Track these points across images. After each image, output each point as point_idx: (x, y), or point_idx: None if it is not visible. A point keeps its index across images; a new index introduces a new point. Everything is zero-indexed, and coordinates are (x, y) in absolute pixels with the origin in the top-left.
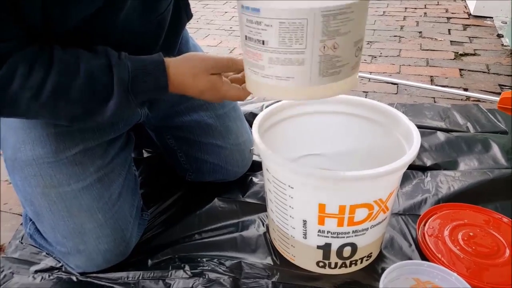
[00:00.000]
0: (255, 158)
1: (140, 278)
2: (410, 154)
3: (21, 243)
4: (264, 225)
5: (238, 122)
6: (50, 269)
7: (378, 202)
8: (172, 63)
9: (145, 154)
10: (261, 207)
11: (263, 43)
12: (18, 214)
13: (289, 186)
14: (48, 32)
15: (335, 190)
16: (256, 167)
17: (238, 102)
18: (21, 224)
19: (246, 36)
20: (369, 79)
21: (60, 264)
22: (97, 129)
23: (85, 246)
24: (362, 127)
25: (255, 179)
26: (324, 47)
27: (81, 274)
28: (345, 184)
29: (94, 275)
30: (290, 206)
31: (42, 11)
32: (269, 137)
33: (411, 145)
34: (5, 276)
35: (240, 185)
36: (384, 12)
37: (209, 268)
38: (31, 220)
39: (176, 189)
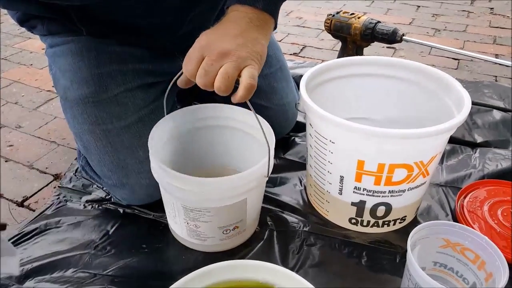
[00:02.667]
0: (298, 119)
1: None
2: (458, 118)
3: (75, 175)
4: (302, 183)
5: (284, 82)
6: (99, 200)
7: (419, 164)
8: None
9: None
10: (301, 166)
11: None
12: (74, 149)
13: (330, 141)
14: None
15: (376, 147)
16: (300, 128)
17: (289, 64)
18: (75, 159)
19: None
20: (430, 51)
21: (109, 196)
22: (136, 72)
23: (128, 180)
24: (412, 93)
25: (297, 140)
26: (188, 223)
27: (127, 206)
28: (387, 141)
29: (139, 209)
30: (329, 162)
31: None
32: (315, 96)
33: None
34: (60, 203)
35: (283, 144)
36: None
37: None
38: (82, 154)
39: None
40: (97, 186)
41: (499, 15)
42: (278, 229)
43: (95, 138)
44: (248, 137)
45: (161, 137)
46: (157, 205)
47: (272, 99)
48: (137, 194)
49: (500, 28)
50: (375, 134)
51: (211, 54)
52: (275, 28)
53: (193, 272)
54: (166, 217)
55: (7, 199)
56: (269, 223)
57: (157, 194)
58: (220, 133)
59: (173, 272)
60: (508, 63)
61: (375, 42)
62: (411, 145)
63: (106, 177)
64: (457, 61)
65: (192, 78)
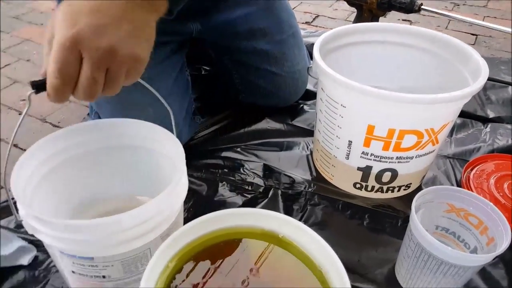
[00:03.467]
0: (308, 86)
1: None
2: (473, 86)
3: None
4: (309, 148)
5: (296, 49)
6: None
7: (429, 132)
8: None
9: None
10: (308, 132)
11: (104, 277)
12: (86, 106)
13: (341, 105)
14: None
15: (388, 112)
16: (309, 96)
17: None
18: (88, 114)
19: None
20: (447, 25)
21: None
22: None
23: None
24: (428, 62)
25: (306, 107)
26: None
27: None
28: (400, 106)
29: None
30: (338, 126)
31: None
32: (328, 62)
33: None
34: None
35: (291, 111)
36: None
37: (250, 176)
38: (95, 110)
39: (228, 107)
40: None
41: None
42: (282, 188)
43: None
44: (163, 159)
45: (37, 168)
46: None
47: (283, 66)
48: None
49: None
50: (388, 98)
51: (93, 54)
52: (170, 13)
53: (199, 218)
54: None
55: (21, 148)
56: (274, 182)
57: None
58: (128, 154)
59: None
60: None
61: (391, 13)
62: (423, 111)
63: None
64: (475, 36)
65: (63, 86)
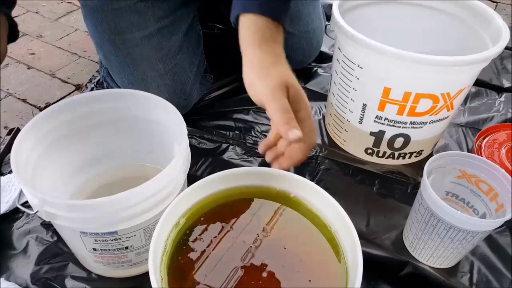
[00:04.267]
0: (323, 48)
1: (196, 134)
2: (493, 49)
3: (96, 86)
4: (321, 113)
5: (311, 7)
6: None
7: (445, 96)
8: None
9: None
10: (322, 97)
11: (126, 248)
12: (95, 62)
13: (358, 65)
14: None
15: (406, 73)
16: (323, 58)
17: None
18: (97, 71)
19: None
20: None
21: None
22: None
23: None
24: (447, 25)
25: (320, 70)
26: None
27: None
28: (418, 67)
29: None
30: (353, 89)
31: None
32: (347, 21)
33: None
34: None
35: (305, 73)
36: None
37: (261, 139)
38: (104, 64)
39: (240, 68)
40: None
41: None
42: None
43: (115, 48)
44: (161, 128)
45: (39, 139)
46: None
47: (297, 25)
48: None
49: None
50: (407, 58)
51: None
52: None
53: (209, 176)
54: None
55: (30, 104)
56: None
57: (178, 108)
58: (129, 125)
59: None
60: None
61: None
62: (441, 74)
63: (126, 88)
64: (496, 4)
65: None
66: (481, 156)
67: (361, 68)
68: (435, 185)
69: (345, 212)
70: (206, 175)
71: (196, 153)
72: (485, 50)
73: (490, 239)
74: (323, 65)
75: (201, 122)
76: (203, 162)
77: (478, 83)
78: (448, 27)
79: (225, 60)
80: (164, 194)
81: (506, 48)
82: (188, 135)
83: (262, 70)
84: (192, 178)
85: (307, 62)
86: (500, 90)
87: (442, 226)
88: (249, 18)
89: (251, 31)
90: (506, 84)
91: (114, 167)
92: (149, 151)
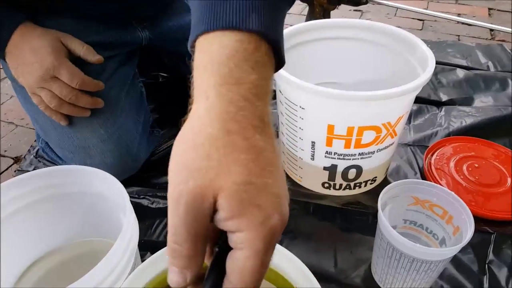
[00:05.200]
0: None
1: (148, 194)
2: (422, 77)
3: (36, 158)
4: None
5: None
6: None
7: (387, 126)
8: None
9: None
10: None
11: None
12: (34, 129)
13: (300, 107)
14: None
15: (344, 110)
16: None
17: None
18: (35, 140)
19: None
20: (395, 13)
21: None
22: (92, 46)
23: (91, 160)
24: (380, 54)
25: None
26: None
27: None
28: (354, 104)
29: None
30: (300, 128)
31: None
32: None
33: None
34: None
35: None
36: None
37: None
38: (41, 137)
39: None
40: None
41: None
42: None
43: (51, 119)
44: (103, 201)
45: None
46: (129, 183)
47: None
48: None
49: None
50: (342, 97)
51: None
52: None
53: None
54: (134, 196)
55: None
56: None
57: (123, 173)
58: (73, 201)
59: None
60: (469, 20)
61: (342, 5)
62: (378, 107)
63: (68, 158)
64: (422, 21)
65: None
66: (432, 173)
67: (303, 108)
68: (392, 215)
69: (308, 270)
70: (163, 238)
71: (150, 214)
72: (416, 74)
73: (454, 259)
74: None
75: (153, 180)
76: (159, 224)
77: (418, 100)
78: (381, 56)
79: (172, 108)
80: (113, 278)
81: (439, 63)
82: (139, 195)
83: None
84: (148, 244)
85: None
86: (439, 104)
87: (406, 260)
88: (210, 40)
89: (209, 66)
90: (444, 97)
91: (60, 246)
92: (96, 225)
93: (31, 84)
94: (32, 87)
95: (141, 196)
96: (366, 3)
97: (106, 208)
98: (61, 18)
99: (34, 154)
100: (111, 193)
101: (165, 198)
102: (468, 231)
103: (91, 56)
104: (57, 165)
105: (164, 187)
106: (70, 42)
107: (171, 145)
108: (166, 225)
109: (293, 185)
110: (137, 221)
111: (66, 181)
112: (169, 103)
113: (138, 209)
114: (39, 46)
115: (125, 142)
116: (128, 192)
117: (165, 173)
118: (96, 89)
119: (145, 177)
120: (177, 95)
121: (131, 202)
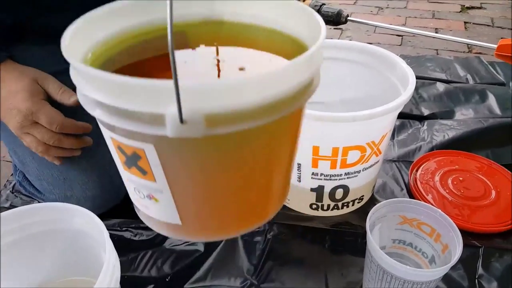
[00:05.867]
0: None
1: (131, 225)
2: (403, 96)
3: (12, 193)
4: None
5: None
6: None
7: (371, 145)
8: None
9: None
10: None
11: None
12: (10, 161)
13: None
14: None
15: (328, 131)
16: None
17: None
18: (12, 174)
19: None
20: (375, 30)
21: None
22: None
23: (72, 193)
24: (361, 73)
25: None
26: None
27: None
28: (338, 125)
29: None
30: None
31: None
32: None
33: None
34: None
35: None
36: None
37: None
38: (19, 168)
39: None
40: (38, 203)
41: None
42: None
43: (31, 151)
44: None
45: None
46: (111, 215)
47: None
48: (84, 207)
49: (437, 3)
50: (324, 119)
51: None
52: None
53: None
54: (117, 228)
55: None
56: None
57: (106, 205)
58: (54, 239)
59: None
60: (447, 37)
61: None
62: (361, 127)
63: (47, 191)
64: (401, 37)
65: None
66: (418, 189)
67: None
68: (381, 235)
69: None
70: (148, 273)
71: (133, 247)
72: (397, 91)
73: (445, 276)
74: None
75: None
76: (143, 256)
77: (400, 115)
78: (363, 74)
79: None
80: None
81: (419, 77)
82: (121, 227)
83: None
84: (131, 279)
85: None
86: (421, 118)
87: (397, 282)
88: None
89: None
90: (426, 112)
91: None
92: (77, 263)
93: (14, 129)
94: (17, 132)
95: (124, 228)
96: (345, 22)
97: (87, 246)
98: (48, 44)
99: (11, 189)
100: (91, 230)
101: (149, 229)
102: (457, 249)
103: (67, 99)
104: (35, 199)
105: None
106: (47, 84)
107: None
108: (150, 256)
109: (281, 208)
110: (118, 260)
111: (48, 218)
112: None
113: (121, 242)
114: (17, 90)
115: (107, 173)
116: (110, 224)
117: None
118: (80, 131)
119: (127, 208)
120: None
121: (113, 234)
